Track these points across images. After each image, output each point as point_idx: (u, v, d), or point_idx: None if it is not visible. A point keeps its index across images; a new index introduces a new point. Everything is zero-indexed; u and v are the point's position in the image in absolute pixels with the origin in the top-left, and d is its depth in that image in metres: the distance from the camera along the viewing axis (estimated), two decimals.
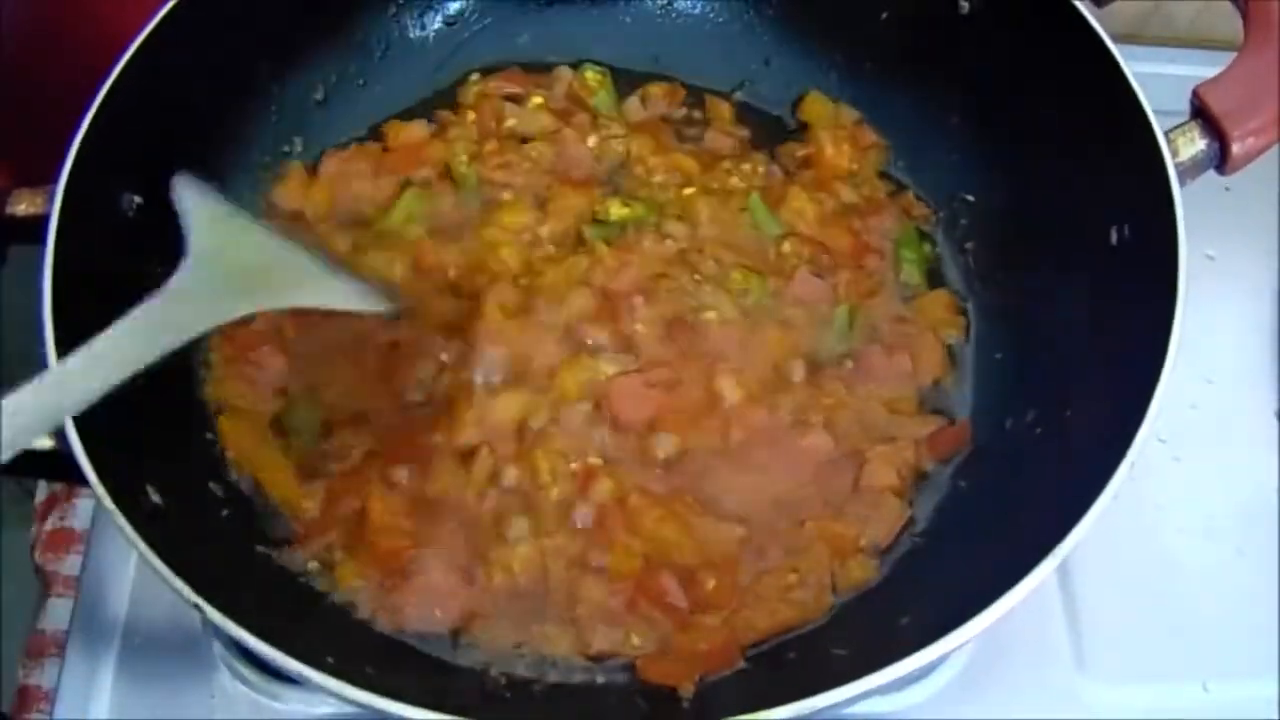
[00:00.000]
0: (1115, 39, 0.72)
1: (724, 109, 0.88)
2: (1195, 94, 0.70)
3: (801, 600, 0.69)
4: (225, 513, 0.70)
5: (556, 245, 0.80)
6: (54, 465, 0.60)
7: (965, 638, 0.57)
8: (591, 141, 0.85)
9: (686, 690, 0.65)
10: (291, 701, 0.72)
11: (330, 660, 0.56)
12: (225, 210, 0.65)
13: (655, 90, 0.88)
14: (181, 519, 0.63)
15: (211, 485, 0.71)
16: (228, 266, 0.63)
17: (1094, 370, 0.69)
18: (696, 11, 0.92)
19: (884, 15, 0.86)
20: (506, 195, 0.82)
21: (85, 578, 0.78)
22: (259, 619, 0.56)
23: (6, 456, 0.50)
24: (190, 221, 0.63)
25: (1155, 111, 0.69)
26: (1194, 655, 0.77)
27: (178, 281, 0.60)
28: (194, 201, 0.64)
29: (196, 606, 0.56)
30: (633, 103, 0.88)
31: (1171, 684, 0.76)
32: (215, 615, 0.56)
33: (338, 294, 0.67)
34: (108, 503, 0.58)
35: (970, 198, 0.83)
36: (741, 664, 0.67)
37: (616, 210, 0.81)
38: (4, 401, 0.50)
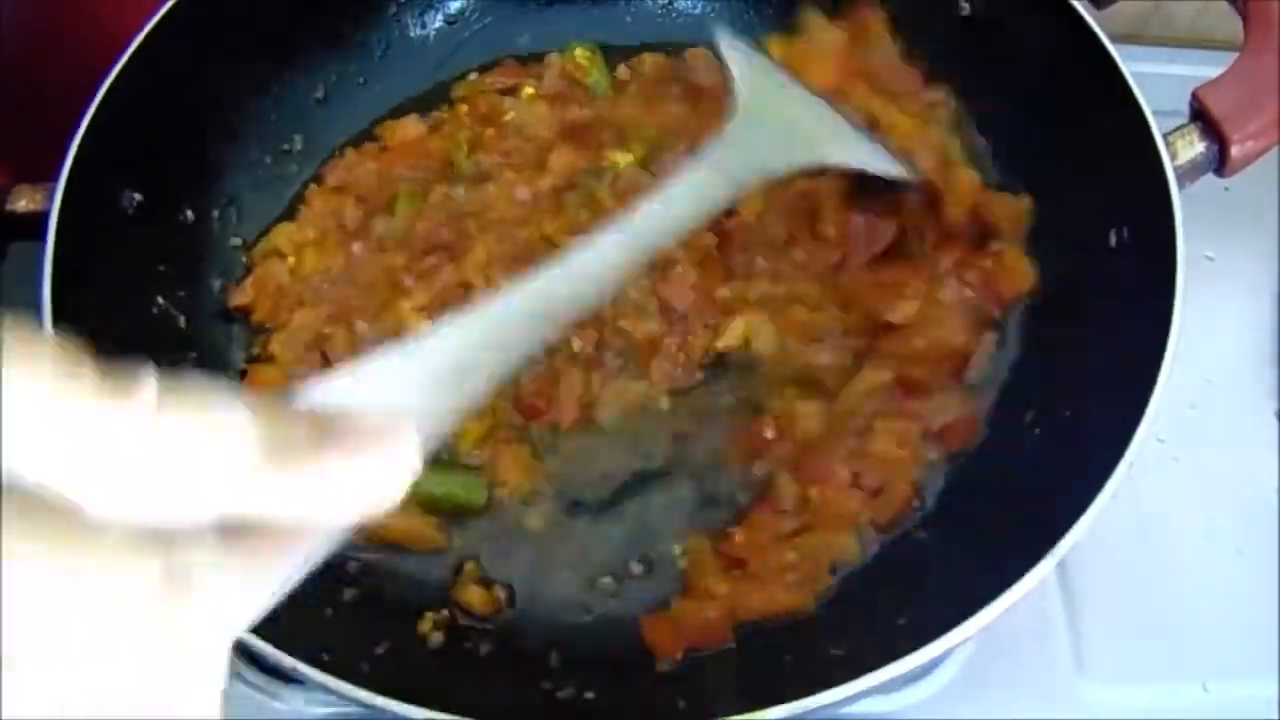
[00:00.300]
0: (1115, 39, 0.73)
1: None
2: (1194, 96, 0.70)
3: (797, 582, 0.69)
4: None
5: (554, 197, 0.81)
6: None
7: (961, 638, 0.57)
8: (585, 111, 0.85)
9: (667, 663, 0.66)
10: (291, 701, 0.72)
11: (329, 659, 0.56)
12: (769, 68, 0.69)
13: (647, 60, 0.89)
14: None
15: None
16: (771, 121, 0.66)
17: (1092, 371, 0.69)
18: (697, 11, 0.92)
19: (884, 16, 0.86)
20: (509, 173, 0.82)
21: None
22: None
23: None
24: (736, 75, 0.67)
25: (1155, 112, 0.69)
26: (1194, 655, 0.77)
27: (729, 134, 0.62)
28: (739, 57, 0.68)
29: None
30: (622, 71, 0.88)
31: (1171, 684, 0.76)
32: None
33: (867, 155, 0.70)
34: None
35: None
36: (730, 642, 0.67)
37: (618, 158, 0.82)
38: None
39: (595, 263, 0.49)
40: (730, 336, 0.76)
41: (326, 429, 0.28)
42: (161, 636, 0.25)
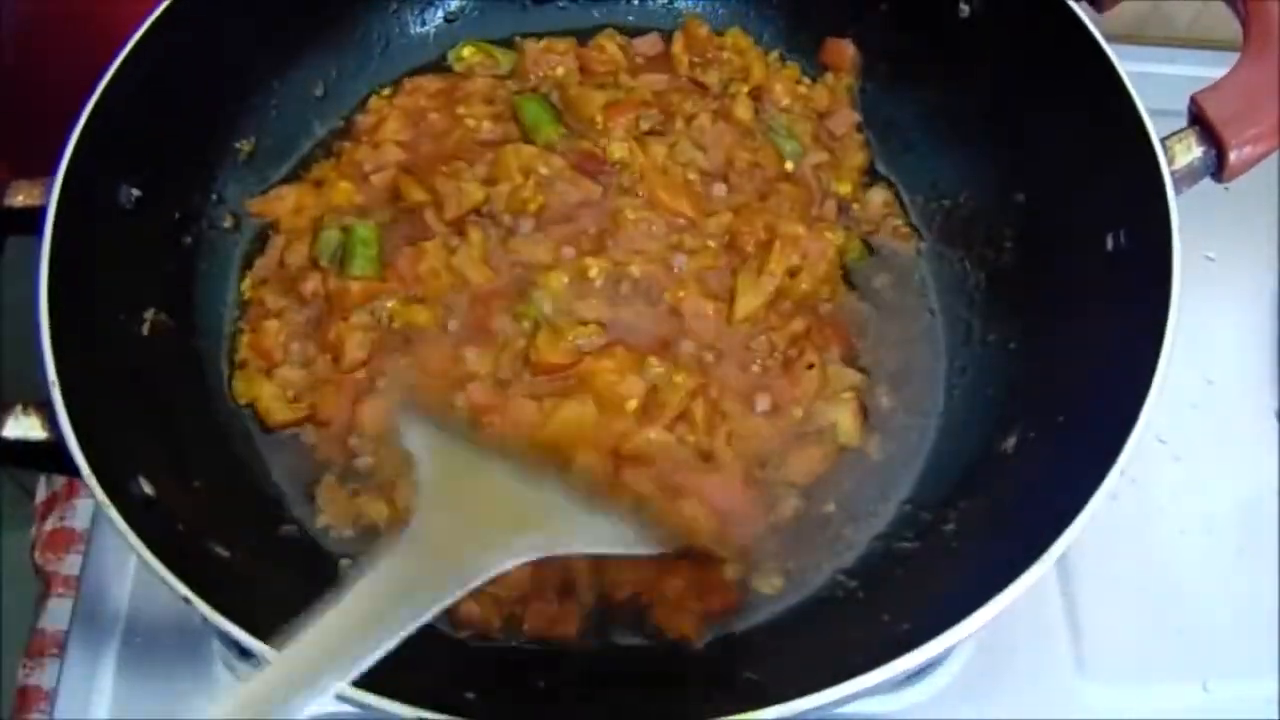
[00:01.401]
0: (1115, 40, 0.72)
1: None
2: (1193, 101, 0.69)
3: None
4: (222, 506, 0.70)
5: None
6: (46, 455, 0.60)
7: (954, 640, 0.56)
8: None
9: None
10: None
11: None
12: (460, 447, 0.59)
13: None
14: (174, 512, 0.63)
15: (207, 479, 0.71)
16: (468, 515, 0.55)
17: (1087, 376, 0.69)
18: (699, 10, 0.92)
19: (884, 18, 0.86)
20: None
21: (85, 577, 0.78)
22: (253, 614, 0.56)
23: None
24: (419, 459, 0.57)
25: (1155, 112, 0.69)
26: (1194, 655, 0.77)
27: (413, 533, 0.52)
28: (422, 439, 0.57)
29: (186, 600, 0.56)
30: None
31: (1171, 684, 0.76)
32: (205, 609, 0.56)
33: (603, 536, 0.60)
34: (99, 493, 0.58)
35: (964, 199, 0.83)
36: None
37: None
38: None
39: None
40: None
41: None
42: None
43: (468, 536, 0.53)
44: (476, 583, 0.52)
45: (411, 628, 0.48)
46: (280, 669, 0.47)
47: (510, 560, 0.55)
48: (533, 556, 0.56)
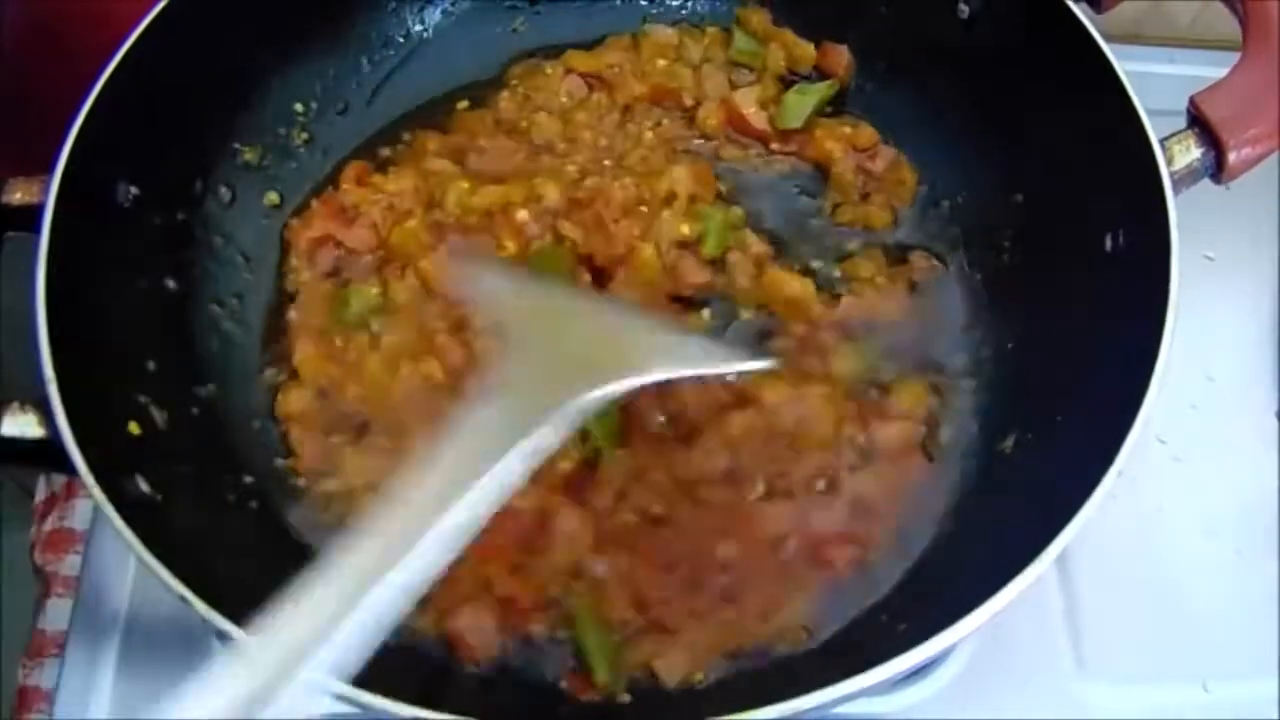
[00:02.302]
0: (1115, 39, 0.72)
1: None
2: (1192, 102, 0.69)
3: None
4: (222, 505, 0.70)
5: None
6: (43, 453, 0.60)
7: (953, 640, 0.56)
8: None
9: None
10: None
11: None
12: (538, 289, 0.58)
13: None
14: (172, 509, 0.63)
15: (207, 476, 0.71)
16: (555, 349, 0.54)
17: (1086, 377, 0.69)
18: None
19: (883, 20, 0.86)
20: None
21: (85, 578, 0.78)
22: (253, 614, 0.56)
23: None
24: (498, 309, 0.56)
25: (1155, 112, 0.69)
26: (1194, 655, 0.76)
27: (501, 380, 0.50)
28: (499, 286, 0.56)
29: (184, 599, 0.56)
30: None
31: (1171, 684, 0.76)
32: (202, 608, 0.56)
33: (693, 358, 0.59)
34: (96, 492, 0.58)
35: (963, 200, 0.83)
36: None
37: None
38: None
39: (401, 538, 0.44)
40: None
41: None
42: None
43: (557, 374, 0.52)
44: (572, 420, 0.51)
45: (514, 475, 0.47)
46: (417, 490, 0.46)
47: (601, 391, 0.53)
48: (627, 385, 0.55)
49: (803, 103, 0.85)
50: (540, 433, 0.49)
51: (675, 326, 0.62)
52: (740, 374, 0.64)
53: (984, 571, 0.59)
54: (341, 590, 0.43)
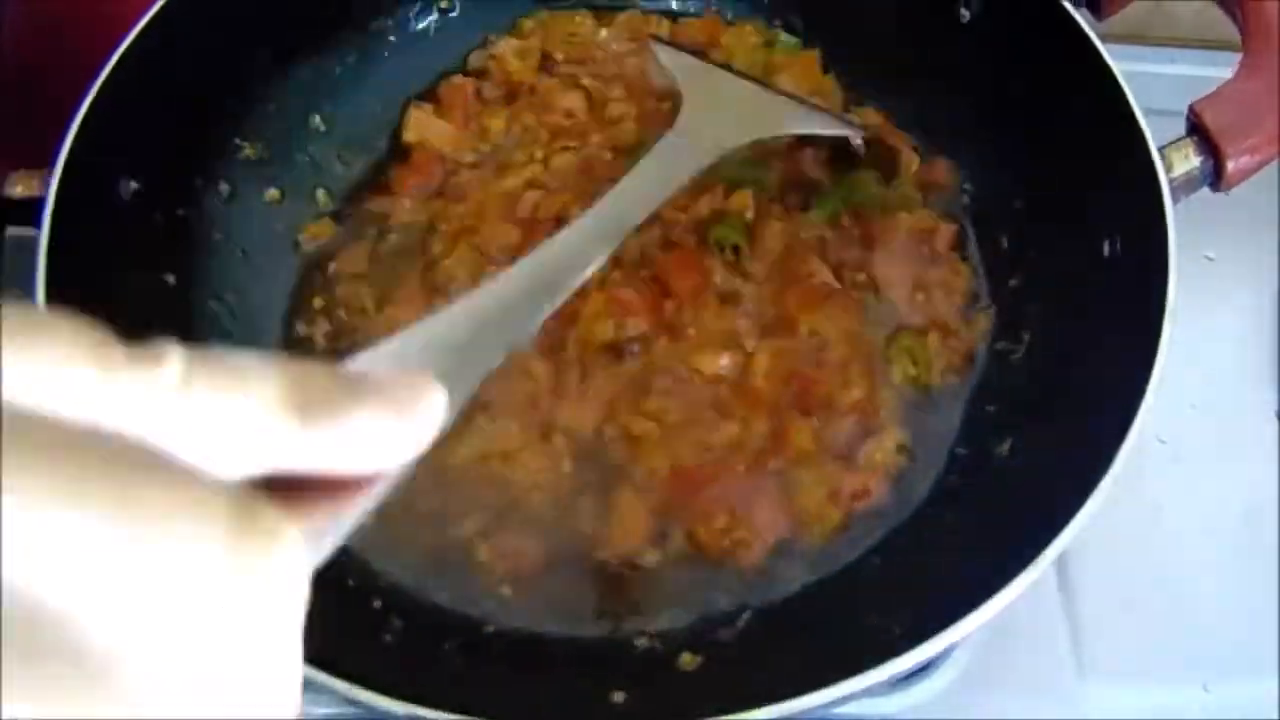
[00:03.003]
0: (1117, 40, 0.72)
1: None
2: (1191, 110, 0.69)
3: None
4: None
5: None
6: None
7: (952, 640, 0.56)
8: None
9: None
10: None
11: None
12: (705, 65, 0.79)
13: None
14: None
15: None
16: (718, 106, 0.73)
17: (1084, 380, 0.69)
18: (692, 11, 0.92)
19: (884, 23, 0.86)
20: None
21: None
22: None
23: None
24: (675, 73, 0.76)
25: (1156, 113, 0.69)
26: (1194, 655, 0.76)
27: (680, 124, 0.69)
28: (676, 59, 0.78)
29: None
30: None
31: (1171, 684, 0.76)
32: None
33: (815, 122, 0.79)
34: None
35: (962, 205, 0.83)
36: None
37: None
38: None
39: (579, 241, 0.52)
40: None
41: (354, 386, 0.28)
42: (239, 588, 0.23)
43: (720, 121, 0.71)
44: (729, 149, 0.69)
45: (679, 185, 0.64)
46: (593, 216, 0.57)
47: (752, 136, 0.74)
48: (771, 134, 0.78)
49: None
50: (709, 165, 0.67)
51: (807, 101, 0.81)
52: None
53: (985, 571, 0.59)
54: (554, 260, 0.50)
